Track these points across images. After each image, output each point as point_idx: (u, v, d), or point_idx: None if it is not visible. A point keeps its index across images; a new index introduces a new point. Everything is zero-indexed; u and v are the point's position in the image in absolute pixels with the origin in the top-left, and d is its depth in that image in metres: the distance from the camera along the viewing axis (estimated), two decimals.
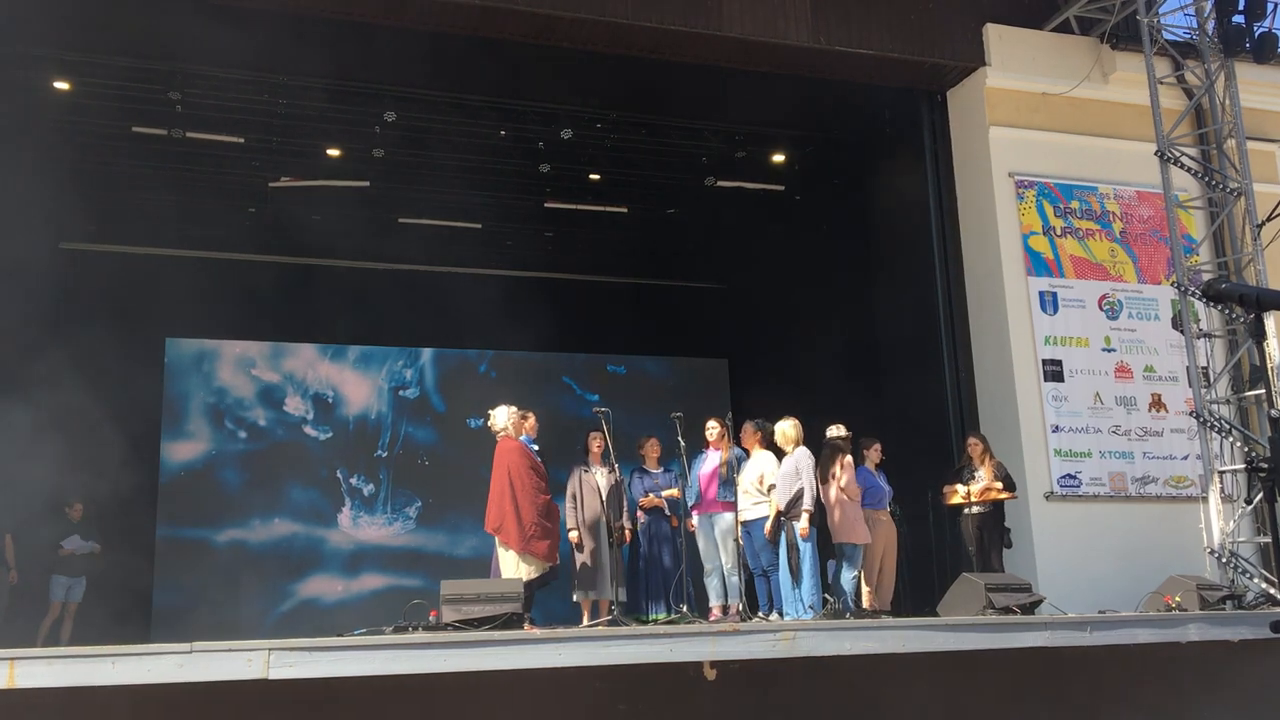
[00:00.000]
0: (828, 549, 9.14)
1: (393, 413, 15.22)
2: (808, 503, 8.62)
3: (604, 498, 9.00)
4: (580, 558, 9.06)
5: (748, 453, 9.34)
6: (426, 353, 15.56)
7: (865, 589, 9.31)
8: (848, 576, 9.00)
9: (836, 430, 9.44)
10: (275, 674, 5.59)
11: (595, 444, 9.23)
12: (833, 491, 8.97)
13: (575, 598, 9.15)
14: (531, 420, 8.87)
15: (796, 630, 6.73)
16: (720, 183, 13.84)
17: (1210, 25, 10.90)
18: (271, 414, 14.79)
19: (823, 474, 8.97)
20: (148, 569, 13.35)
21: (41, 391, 11.89)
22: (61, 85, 11.10)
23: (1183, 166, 10.66)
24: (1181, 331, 10.39)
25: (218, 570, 13.81)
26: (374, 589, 14.45)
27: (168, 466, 14.15)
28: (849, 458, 9.23)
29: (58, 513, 11.09)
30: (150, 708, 5.74)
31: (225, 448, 14.47)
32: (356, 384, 15.24)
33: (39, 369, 11.77)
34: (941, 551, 10.37)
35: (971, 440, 9.90)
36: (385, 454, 15.04)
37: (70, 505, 11.27)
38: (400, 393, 15.30)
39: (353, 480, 14.80)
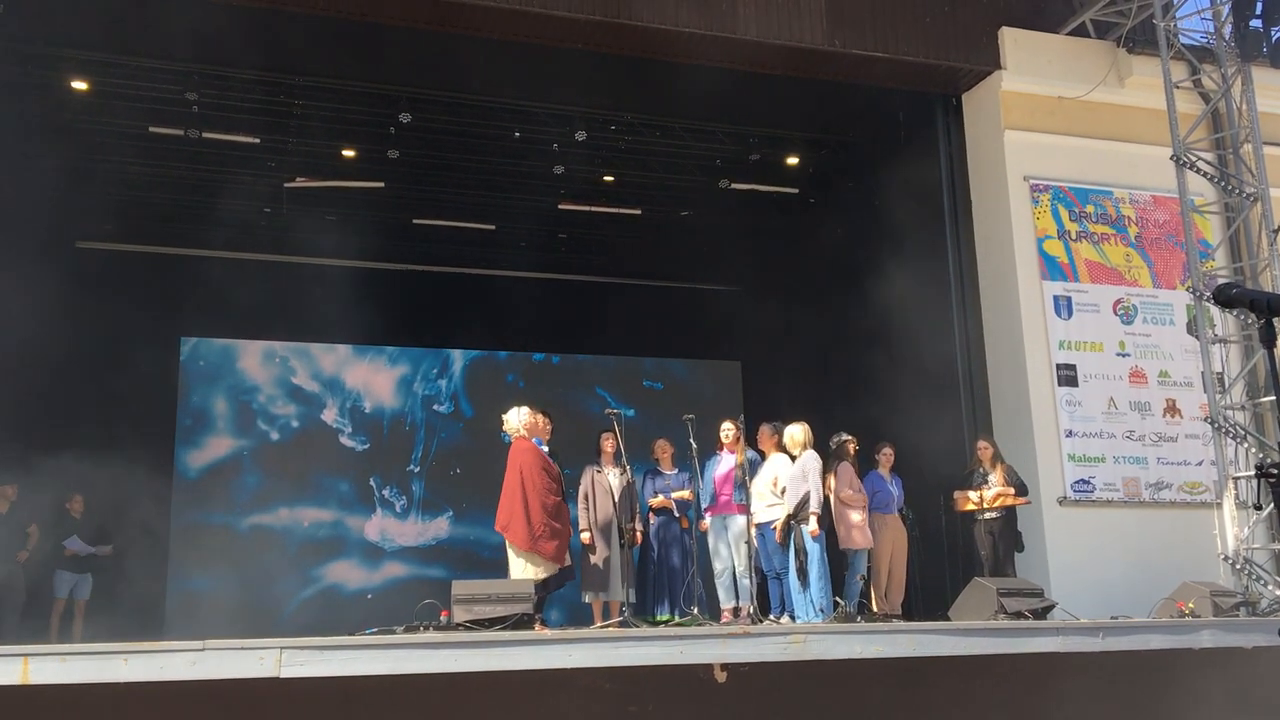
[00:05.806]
0: (840, 553, 9.15)
1: (425, 423, 15.34)
2: (814, 506, 8.63)
3: (616, 499, 9.01)
4: (591, 559, 9.09)
5: (762, 455, 9.34)
6: (457, 360, 15.64)
7: (874, 593, 9.32)
8: (849, 580, 9.04)
9: (837, 438, 9.44)
10: (287, 673, 5.63)
11: (607, 445, 9.23)
12: (831, 498, 9.03)
13: (586, 598, 9.19)
14: (544, 422, 8.83)
15: (807, 634, 6.74)
16: (734, 185, 13.84)
17: (1227, 29, 10.85)
18: (288, 409, 14.89)
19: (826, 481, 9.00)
20: (162, 554, 13.37)
21: (58, 389, 11.99)
22: (80, 85, 11.17)
23: (1199, 171, 10.61)
24: (1197, 337, 10.35)
25: (239, 556, 13.85)
26: (397, 577, 14.57)
27: (183, 460, 14.24)
28: (844, 464, 9.24)
29: (60, 509, 10.87)
30: (163, 704, 5.78)
31: (243, 443, 14.56)
32: (384, 386, 15.37)
33: (55, 367, 11.86)
34: (954, 555, 10.34)
35: (981, 444, 9.88)
36: (418, 469, 15.13)
37: (70, 499, 10.93)
38: (434, 406, 15.40)
39: (385, 492, 14.92)
